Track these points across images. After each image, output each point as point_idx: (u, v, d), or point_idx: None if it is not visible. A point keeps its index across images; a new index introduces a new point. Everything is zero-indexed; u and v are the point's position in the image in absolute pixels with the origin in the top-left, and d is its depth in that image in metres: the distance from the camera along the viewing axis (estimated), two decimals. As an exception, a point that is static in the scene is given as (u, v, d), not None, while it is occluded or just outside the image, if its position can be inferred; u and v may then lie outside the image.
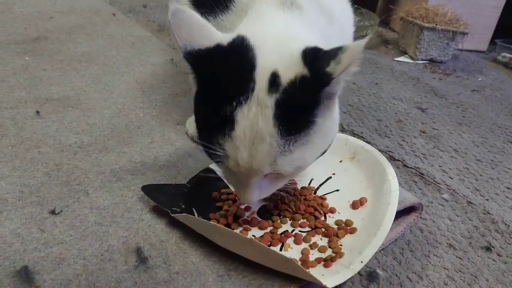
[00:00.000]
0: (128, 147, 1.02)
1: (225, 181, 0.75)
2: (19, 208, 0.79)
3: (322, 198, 0.86)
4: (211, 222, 0.74)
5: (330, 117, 0.65)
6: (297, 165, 0.63)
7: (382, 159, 0.87)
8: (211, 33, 0.63)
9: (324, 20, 0.78)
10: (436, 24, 1.87)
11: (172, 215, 0.77)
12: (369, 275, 0.75)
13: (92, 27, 1.79)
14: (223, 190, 0.86)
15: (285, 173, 0.64)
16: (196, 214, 0.79)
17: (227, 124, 0.59)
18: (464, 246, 0.86)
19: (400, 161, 1.12)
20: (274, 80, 0.59)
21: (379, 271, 0.77)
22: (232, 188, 0.74)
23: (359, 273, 0.73)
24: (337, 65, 0.56)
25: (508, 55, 2.07)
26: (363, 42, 0.55)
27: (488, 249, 0.86)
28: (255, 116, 0.58)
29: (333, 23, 0.80)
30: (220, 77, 0.60)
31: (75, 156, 0.96)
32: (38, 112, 1.11)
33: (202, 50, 0.60)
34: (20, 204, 0.81)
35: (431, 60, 1.97)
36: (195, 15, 0.62)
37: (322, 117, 0.62)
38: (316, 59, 0.59)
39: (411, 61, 1.96)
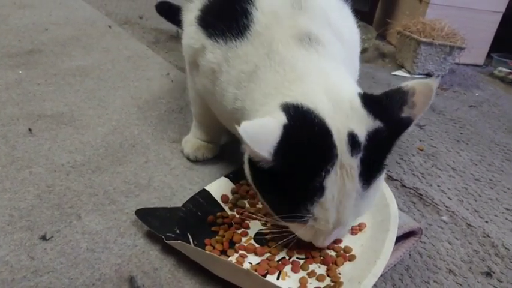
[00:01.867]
0: (122, 167, 1.00)
1: (293, 230, 0.73)
2: (8, 234, 0.77)
3: None
4: (206, 251, 0.72)
5: None
6: (371, 204, 0.68)
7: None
8: (271, 124, 0.61)
9: (339, 43, 0.78)
10: (433, 39, 1.86)
11: (167, 241, 0.75)
12: (367, 303, 0.74)
13: (87, 40, 1.77)
14: (219, 214, 0.84)
15: (362, 215, 0.69)
16: (191, 239, 0.77)
17: (316, 193, 0.61)
18: (464, 272, 0.84)
19: (398, 180, 1.11)
20: (353, 141, 0.61)
21: (378, 299, 0.75)
22: (301, 237, 0.73)
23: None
24: (412, 109, 0.60)
25: (505, 69, 2.07)
26: (433, 83, 0.58)
27: (488, 274, 0.84)
28: (342, 179, 0.61)
29: (344, 44, 0.80)
30: (302, 155, 0.61)
31: (68, 176, 0.94)
32: (30, 130, 1.08)
33: (278, 143, 0.59)
34: (10, 229, 0.78)
35: (429, 75, 1.96)
36: (258, 122, 0.63)
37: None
38: (385, 109, 0.62)
39: (408, 75, 1.95)
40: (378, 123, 0.62)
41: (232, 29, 0.78)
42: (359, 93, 0.66)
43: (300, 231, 0.70)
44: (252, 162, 0.66)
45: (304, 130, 0.61)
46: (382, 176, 0.67)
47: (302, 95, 0.65)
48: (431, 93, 0.59)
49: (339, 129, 0.61)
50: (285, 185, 0.63)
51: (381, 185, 0.69)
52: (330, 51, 0.74)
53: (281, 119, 0.61)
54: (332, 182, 0.61)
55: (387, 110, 0.62)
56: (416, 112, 0.60)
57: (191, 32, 0.88)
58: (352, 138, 0.61)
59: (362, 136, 0.61)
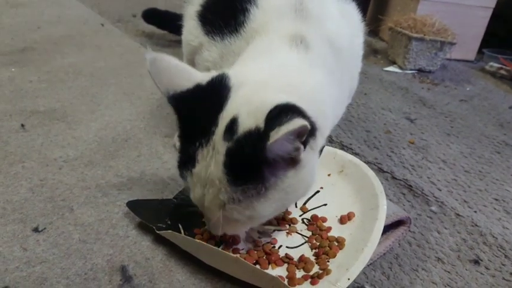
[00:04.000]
0: (114, 161, 1.01)
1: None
2: (1, 226, 0.78)
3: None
4: (196, 240, 0.73)
5: (295, 177, 0.62)
6: (248, 214, 0.63)
7: (370, 173, 0.87)
8: (191, 74, 0.64)
9: (331, 55, 0.77)
10: (425, 35, 1.88)
11: (158, 232, 0.75)
12: (357, 290, 0.75)
13: (79, 38, 1.78)
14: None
15: (237, 219, 0.64)
16: (182, 230, 0.78)
17: (191, 161, 0.62)
18: (452, 260, 0.85)
19: (388, 172, 1.12)
20: (231, 126, 0.59)
21: (367, 286, 0.76)
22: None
23: (347, 289, 0.73)
24: (277, 132, 0.53)
25: (496, 64, 2.09)
26: (303, 122, 0.53)
27: (476, 262, 0.85)
28: (210, 159, 0.60)
29: (340, 56, 0.79)
30: (193, 117, 0.62)
31: (60, 171, 0.95)
32: (23, 125, 1.09)
33: (183, 92, 0.62)
34: (2, 221, 0.79)
35: (420, 70, 1.98)
36: (173, 60, 0.63)
37: (280, 175, 0.61)
38: (274, 118, 0.55)
39: (400, 71, 1.97)
40: (261, 123, 0.56)
41: (229, 26, 0.78)
42: (286, 101, 0.60)
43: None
44: None
45: (207, 95, 0.62)
46: (263, 191, 0.60)
47: (240, 72, 0.66)
48: (298, 127, 0.53)
49: (229, 111, 0.60)
50: (181, 140, 0.66)
51: (264, 202, 0.62)
52: (311, 58, 0.72)
53: (203, 77, 0.64)
54: (203, 158, 0.61)
55: (274, 120, 0.55)
56: (273, 136, 0.54)
57: (190, 27, 0.89)
58: (231, 123, 0.59)
59: (243, 127, 0.58)
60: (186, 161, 0.63)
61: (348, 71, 0.87)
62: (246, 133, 0.58)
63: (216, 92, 0.62)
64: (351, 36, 0.87)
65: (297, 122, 0.54)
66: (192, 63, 0.91)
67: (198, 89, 0.63)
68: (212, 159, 0.60)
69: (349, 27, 0.87)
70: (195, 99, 0.62)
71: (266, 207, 0.63)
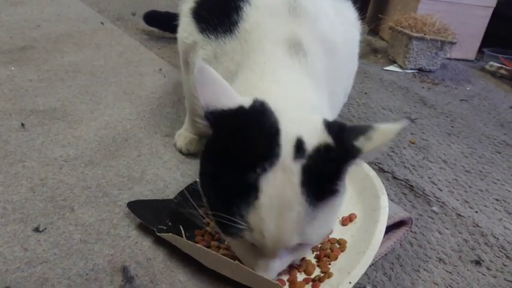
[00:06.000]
0: (114, 160, 1.00)
1: (233, 250, 0.69)
2: (1, 226, 0.77)
3: None
4: (197, 244, 0.72)
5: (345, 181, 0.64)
6: (323, 232, 0.62)
7: (372, 173, 0.87)
8: (232, 94, 0.59)
9: (326, 57, 0.77)
10: (425, 34, 1.88)
11: (159, 234, 0.75)
12: (359, 291, 0.75)
13: (79, 36, 1.77)
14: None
15: (312, 242, 0.62)
16: (183, 231, 0.77)
17: (250, 192, 0.55)
18: (454, 260, 0.85)
19: (389, 172, 1.12)
20: (300, 145, 0.57)
21: (369, 287, 0.76)
22: (244, 261, 0.66)
23: (349, 290, 0.72)
24: (367, 141, 0.56)
25: (496, 64, 2.09)
26: (397, 127, 0.56)
27: (477, 263, 0.85)
28: (282, 183, 0.55)
29: (334, 54, 0.79)
30: (243, 141, 0.57)
31: (61, 170, 0.94)
32: (23, 124, 1.08)
33: (225, 111, 0.57)
34: (3, 221, 0.78)
35: (420, 70, 1.98)
36: (219, 75, 0.59)
37: (343, 184, 0.62)
38: (343, 131, 0.59)
39: (400, 70, 1.97)
40: (330, 140, 0.58)
41: (223, 24, 0.78)
42: (325, 119, 0.62)
43: (241, 252, 0.65)
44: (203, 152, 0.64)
45: (255, 120, 0.58)
46: (336, 201, 0.61)
47: (271, 96, 0.62)
48: (392, 133, 0.56)
49: (289, 133, 0.58)
50: (222, 174, 0.58)
51: (335, 213, 0.62)
52: (311, 66, 0.72)
53: (243, 100, 0.59)
54: (269, 184, 0.55)
55: (344, 133, 0.59)
56: (369, 146, 0.56)
57: (184, 24, 0.88)
58: (299, 143, 0.57)
59: (310, 145, 0.58)
60: (242, 195, 0.56)
61: (344, 69, 0.87)
62: (316, 150, 0.57)
63: (263, 117, 0.59)
64: (345, 34, 0.87)
65: (392, 131, 0.56)
66: (186, 61, 0.90)
67: (243, 112, 0.58)
68: (285, 183, 0.55)
69: (344, 25, 0.88)
70: (241, 122, 0.58)
71: (335, 219, 0.64)
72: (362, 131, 0.57)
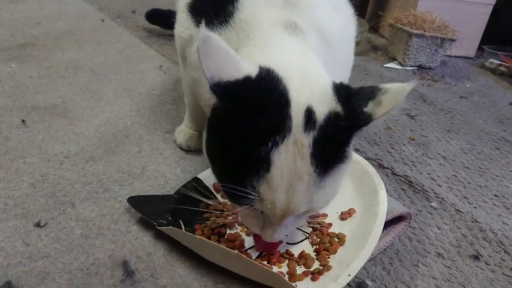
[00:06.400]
0: (115, 156, 1.01)
1: (241, 219, 0.71)
2: (3, 221, 0.78)
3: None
4: (197, 236, 0.73)
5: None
6: (329, 199, 0.62)
7: (371, 169, 0.87)
8: (239, 63, 0.57)
9: (323, 44, 0.76)
10: (425, 31, 1.88)
11: (159, 227, 0.76)
12: (357, 285, 0.75)
13: (79, 34, 1.77)
14: (210, 201, 0.85)
15: (318, 208, 0.63)
16: (183, 226, 0.78)
17: (261, 165, 0.55)
18: (452, 255, 0.86)
19: (389, 169, 1.12)
20: (309, 116, 0.56)
21: (368, 281, 0.76)
22: (250, 228, 0.68)
23: (348, 284, 0.73)
24: (377, 106, 0.56)
25: (496, 61, 2.09)
26: (407, 86, 0.55)
27: (476, 257, 0.86)
28: (293, 156, 0.55)
29: (331, 46, 0.79)
30: (252, 113, 0.55)
31: (62, 166, 0.95)
32: (23, 121, 1.09)
33: (231, 82, 0.55)
34: (4, 216, 0.79)
35: (420, 67, 1.98)
36: (224, 44, 0.56)
37: (350, 149, 0.62)
38: (351, 97, 0.58)
39: (400, 67, 1.97)
40: (339, 108, 0.58)
41: (219, 16, 0.77)
42: (333, 82, 0.62)
43: (248, 219, 0.65)
44: (208, 124, 0.63)
45: (264, 90, 0.57)
46: (343, 168, 0.61)
47: (276, 64, 0.60)
48: (402, 95, 0.55)
49: (299, 102, 0.57)
50: (231, 147, 0.57)
51: (342, 179, 0.62)
52: (310, 44, 0.72)
53: (250, 69, 0.57)
54: (281, 158, 0.55)
55: (352, 99, 0.58)
56: (380, 111, 0.56)
57: (181, 19, 0.89)
58: (309, 114, 0.56)
59: (321, 115, 0.57)
60: (252, 168, 0.56)
61: (339, 63, 0.86)
62: (327, 119, 0.57)
63: (271, 86, 0.57)
64: (342, 28, 0.87)
65: (402, 91, 0.56)
66: (184, 56, 0.91)
67: (249, 82, 0.57)
68: (295, 156, 0.55)
69: (340, 20, 0.88)
70: (249, 94, 0.56)
71: (341, 185, 0.63)
72: (371, 95, 0.57)
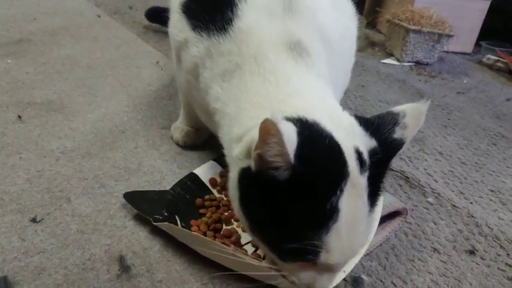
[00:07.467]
0: (111, 152, 1.01)
1: (290, 275, 0.62)
2: (-1, 216, 0.78)
3: None
4: (193, 232, 0.73)
5: None
6: (374, 230, 0.64)
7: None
8: (291, 128, 0.52)
9: (326, 51, 0.75)
10: (422, 27, 1.88)
11: (155, 223, 0.76)
12: (353, 280, 0.75)
13: (76, 29, 1.77)
14: (207, 197, 0.86)
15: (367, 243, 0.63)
16: (179, 222, 0.78)
17: (331, 216, 0.53)
18: (448, 250, 0.86)
19: (385, 164, 1.12)
20: (360, 157, 0.56)
21: (363, 276, 0.77)
22: (302, 281, 0.60)
23: (344, 279, 0.73)
24: (404, 130, 0.57)
25: (493, 57, 2.09)
26: (423, 107, 0.57)
27: (472, 252, 0.86)
28: (354, 200, 0.54)
29: (334, 48, 0.78)
30: (319, 165, 0.53)
31: (58, 162, 0.95)
32: (19, 117, 1.09)
33: (298, 148, 0.51)
34: (0, 212, 0.79)
35: (417, 62, 1.98)
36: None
37: None
38: (378, 130, 0.59)
39: (397, 63, 1.97)
40: (374, 143, 0.58)
41: (216, 21, 0.74)
42: (354, 115, 0.62)
43: (301, 273, 0.59)
44: (246, 182, 0.59)
45: (316, 141, 0.54)
46: (381, 199, 0.62)
47: (302, 110, 0.58)
48: (422, 115, 0.58)
49: (346, 145, 0.55)
50: (294, 207, 0.54)
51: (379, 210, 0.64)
52: (318, 65, 0.71)
53: (292, 126, 0.52)
54: (346, 204, 0.53)
55: (380, 130, 0.59)
56: (408, 133, 0.58)
57: (174, 21, 0.85)
58: (359, 155, 0.56)
59: (365, 154, 0.57)
60: (321, 222, 0.53)
61: (341, 65, 0.86)
62: (371, 157, 0.57)
63: (320, 137, 0.55)
64: (343, 28, 0.86)
65: (419, 111, 0.59)
66: (179, 57, 0.87)
67: (308, 142, 0.52)
68: (357, 199, 0.54)
69: (342, 19, 0.87)
70: (311, 153, 0.53)
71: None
72: (393, 121, 0.58)
